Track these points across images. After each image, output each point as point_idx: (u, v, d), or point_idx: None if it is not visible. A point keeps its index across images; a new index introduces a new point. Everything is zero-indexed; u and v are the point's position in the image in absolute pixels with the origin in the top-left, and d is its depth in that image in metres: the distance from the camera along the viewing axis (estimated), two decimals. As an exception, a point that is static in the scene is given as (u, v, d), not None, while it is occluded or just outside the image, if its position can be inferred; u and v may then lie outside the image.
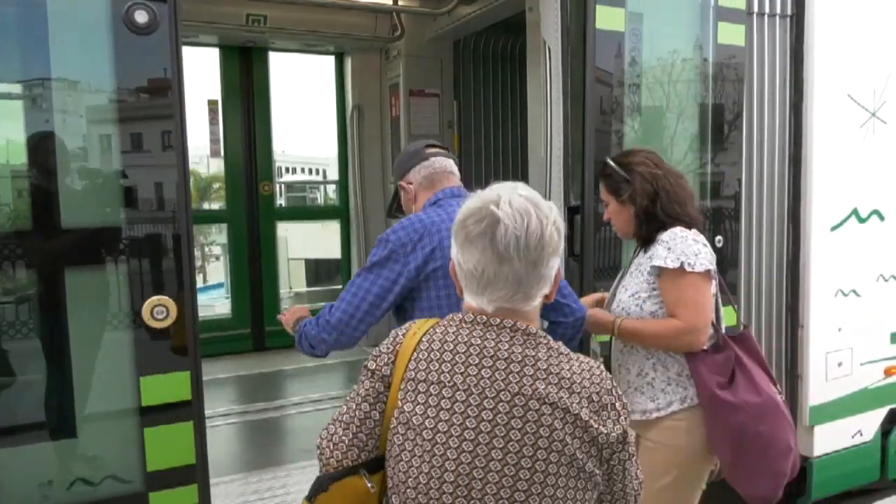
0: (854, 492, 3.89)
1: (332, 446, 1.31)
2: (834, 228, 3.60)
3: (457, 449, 1.21)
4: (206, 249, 13.24)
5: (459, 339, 1.27)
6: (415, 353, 1.28)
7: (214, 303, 9.75)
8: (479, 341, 1.26)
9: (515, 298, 1.27)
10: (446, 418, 1.22)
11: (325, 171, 25.28)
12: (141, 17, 2.01)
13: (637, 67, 2.94)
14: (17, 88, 2.04)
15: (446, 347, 1.27)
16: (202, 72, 5.08)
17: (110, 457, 2.20)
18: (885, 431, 3.86)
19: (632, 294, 2.24)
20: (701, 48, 3.10)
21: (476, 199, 1.29)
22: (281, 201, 6.98)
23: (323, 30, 4.74)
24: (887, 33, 3.61)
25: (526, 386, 1.22)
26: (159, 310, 2.15)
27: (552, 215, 1.29)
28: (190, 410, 2.21)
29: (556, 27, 2.89)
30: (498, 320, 1.27)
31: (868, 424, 3.82)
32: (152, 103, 2.16)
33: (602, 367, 1.31)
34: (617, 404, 1.27)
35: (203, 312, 5.04)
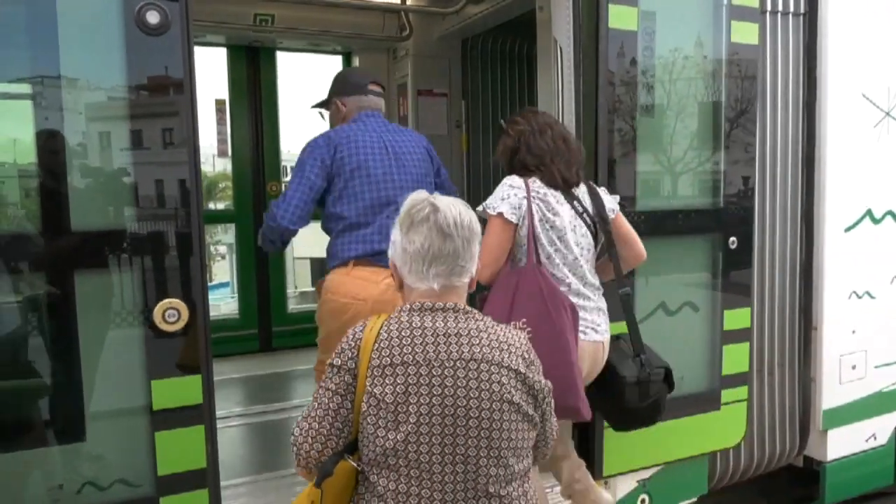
0: (868, 495, 3.86)
1: (310, 440, 1.51)
2: (848, 229, 3.57)
3: (428, 414, 1.46)
4: (212, 249, 13.24)
5: (413, 325, 1.52)
6: (376, 344, 1.50)
7: (219, 302, 9.75)
8: (429, 323, 1.52)
9: (454, 272, 1.57)
10: (415, 391, 1.47)
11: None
12: (153, 17, 1.99)
13: (650, 67, 2.90)
14: (25, 87, 2.02)
15: (403, 333, 1.51)
16: (209, 71, 5.06)
17: (120, 460, 2.18)
18: (899, 435, 3.83)
19: None
20: (714, 47, 3.06)
21: (412, 197, 1.61)
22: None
23: (330, 29, 4.71)
24: (902, 32, 3.57)
25: (473, 351, 1.51)
26: (171, 313, 2.13)
27: (470, 211, 1.63)
28: (201, 413, 2.19)
29: (568, 26, 2.86)
30: (441, 304, 1.55)
31: (883, 428, 3.79)
32: (163, 102, 2.14)
33: (522, 332, 1.63)
34: (537, 361, 1.61)
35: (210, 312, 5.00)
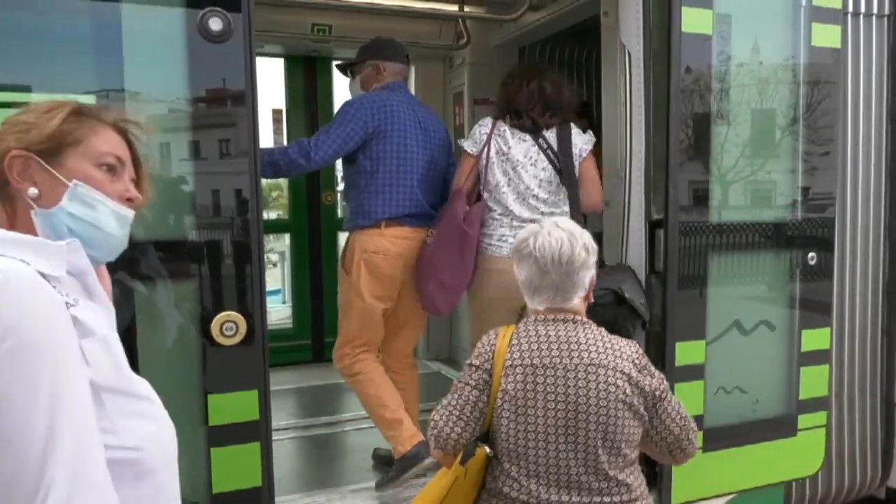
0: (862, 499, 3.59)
1: (451, 424, 1.78)
2: (936, 245, 3.33)
3: (553, 409, 1.72)
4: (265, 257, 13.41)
5: (539, 333, 1.79)
6: (510, 348, 1.78)
7: (271, 308, 9.83)
8: (552, 332, 1.79)
9: (556, 300, 1.83)
10: (542, 389, 1.73)
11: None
12: (215, 24, 1.95)
13: (725, 73, 2.75)
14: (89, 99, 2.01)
15: (531, 339, 1.78)
16: (267, 81, 5.09)
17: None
18: None
19: None
20: (793, 51, 2.89)
21: (526, 230, 1.88)
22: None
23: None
24: None
25: (592, 357, 1.75)
26: (228, 326, 2.08)
27: (582, 239, 1.83)
28: (257, 430, 2.13)
29: (638, 31, 2.73)
30: (561, 316, 1.82)
31: (974, 459, 3.51)
32: (224, 111, 2.10)
33: (634, 342, 1.86)
34: (649, 366, 1.83)
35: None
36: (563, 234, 1.80)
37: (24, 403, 0.92)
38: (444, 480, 1.78)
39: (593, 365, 1.72)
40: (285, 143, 5.03)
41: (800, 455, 3.08)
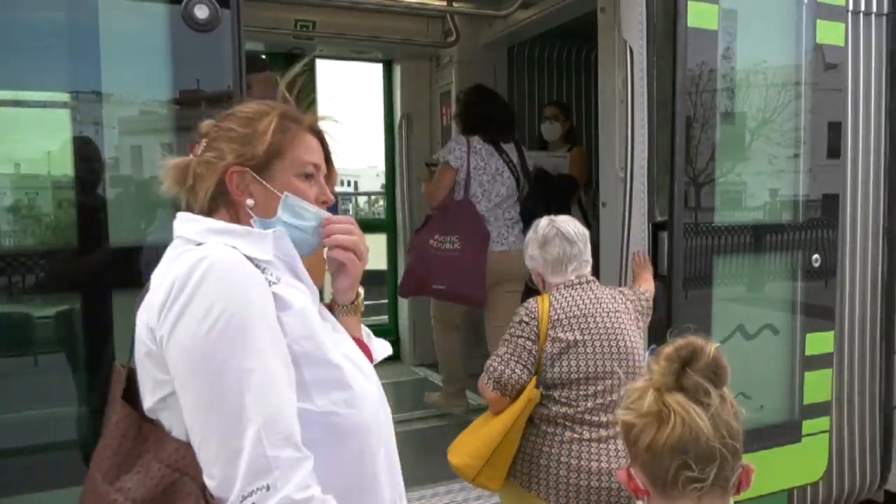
0: None
1: (510, 369, 2.14)
2: (936, 247, 3.29)
3: (592, 346, 2.16)
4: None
5: (573, 294, 2.24)
6: (551, 307, 2.19)
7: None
8: (581, 292, 2.24)
9: (581, 265, 2.29)
10: (584, 334, 2.17)
11: (356, 183, 24.99)
12: (201, 12, 1.81)
13: (730, 70, 2.67)
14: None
15: (567, 298, 2.22)
16: (248, 80, 4.93)
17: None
18: None
19: None
20: (798, 48, 2.82)
21: (539, 224, 2.33)
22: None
23: (372, 35, 4.54)
24: None
25: (609, 305, 2.24)
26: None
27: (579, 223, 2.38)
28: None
29: (641, 26, 2.64)
30: (584, 279, 2.28)
31: (974, 462, 3.47)
32: (210, 104, 1.96)
33: (627, 289, 2.47)
34: (640, 294, 2.42)
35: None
36: (567, 219, 2.34)
37: (228, 367, 1.06)
38: (495, 422, 2.14)
39: (613, 310, 2.23)
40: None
41: (804, 461, 3.01)
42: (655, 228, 2.69)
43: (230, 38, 1.88)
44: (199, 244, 1.16)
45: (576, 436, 2.11)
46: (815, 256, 2.92)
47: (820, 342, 2.98)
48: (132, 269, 1.87)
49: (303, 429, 1.10)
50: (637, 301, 2.37)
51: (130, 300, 1.26)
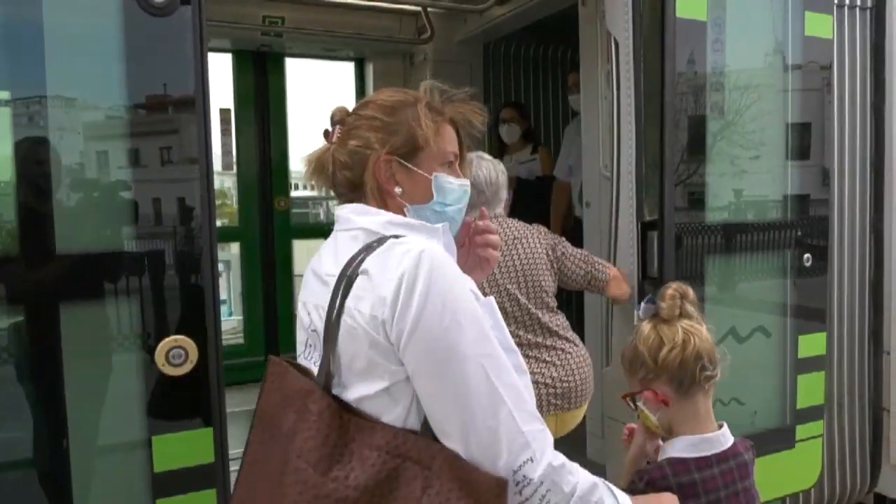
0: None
1: None
2: (924, 244, 3.22)
3: (507, 269, 2.39)
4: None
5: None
6: None
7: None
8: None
9: (490, 207, 2.41)
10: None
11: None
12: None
13: (720, 63, 2.56)
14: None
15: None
16: (213, 78, 4.72)
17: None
18: (982, 471, 3.45)
19: None
20: (789, 41, 2.73)
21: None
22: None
23: (343, 31, 4.38)
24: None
25: (515, 232, 2.43)
26: (176, 353, 1.76)
27: (500, 167, 2.48)
28: (213, 475, 1.82)
29: (626, 18, 2.52)
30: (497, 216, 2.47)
31: (965, 463, 3.42)
32: (170, 99, 1.79)
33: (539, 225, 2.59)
34: (553, 236, 2.58)
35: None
36: (488, 163, 2.43)
37: (471, 354, 1.13)
38: None
39: (516, 237, 2.41)
40: (234, 145, 4.66)
41: (798, 467, 2.92)
42: (644, 228, 2.57)
43: (191, 24, 1.70)
44: (384, 236, 1.21)
45: None
46: (806, 255, 2.83)
47: (812, 344, 2.89)
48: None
49: None
50: (549, 238, 2.55)
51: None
